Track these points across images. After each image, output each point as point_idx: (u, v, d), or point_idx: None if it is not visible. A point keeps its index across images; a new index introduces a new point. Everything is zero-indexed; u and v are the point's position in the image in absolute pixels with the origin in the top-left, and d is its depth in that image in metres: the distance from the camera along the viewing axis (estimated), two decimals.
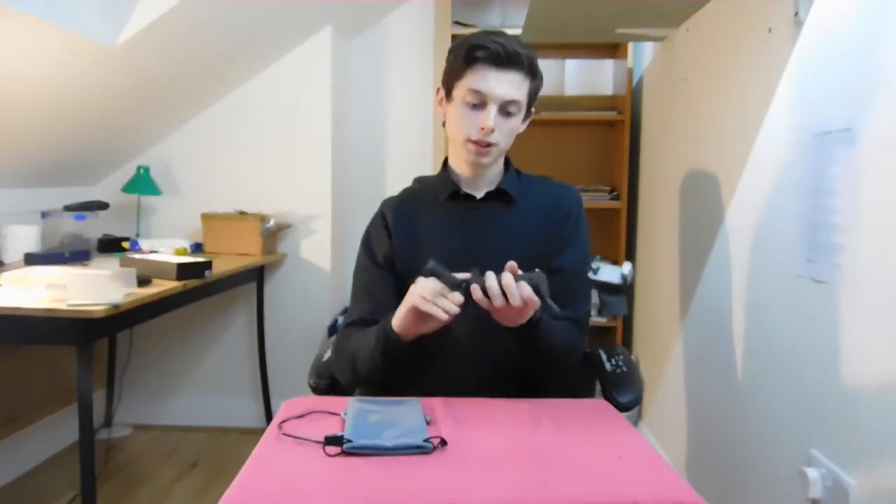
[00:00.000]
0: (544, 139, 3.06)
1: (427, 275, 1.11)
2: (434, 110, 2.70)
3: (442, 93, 1.29)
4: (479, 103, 1.21)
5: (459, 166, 1.32)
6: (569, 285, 1.22)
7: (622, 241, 2.82)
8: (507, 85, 1.20)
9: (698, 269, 1.98)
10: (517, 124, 1.26)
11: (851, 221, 1.17)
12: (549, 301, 1.10)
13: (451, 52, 1.27)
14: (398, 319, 1.16)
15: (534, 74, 1.24)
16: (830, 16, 1.28)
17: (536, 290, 1.07)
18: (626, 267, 1.42)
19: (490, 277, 1.07)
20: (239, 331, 2.97)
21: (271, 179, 2.90)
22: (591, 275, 1.38)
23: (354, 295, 1.36)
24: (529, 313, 1.10)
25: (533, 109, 1.31)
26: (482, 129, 1.20)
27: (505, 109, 1.22)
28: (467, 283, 1.09)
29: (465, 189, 1.32)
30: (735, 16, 1.74)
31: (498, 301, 1.06)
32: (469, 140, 1.23)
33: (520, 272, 1.08)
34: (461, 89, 1.23)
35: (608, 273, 1.40)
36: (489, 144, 1.23)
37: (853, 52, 1.20)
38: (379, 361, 1.20)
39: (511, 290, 1.05)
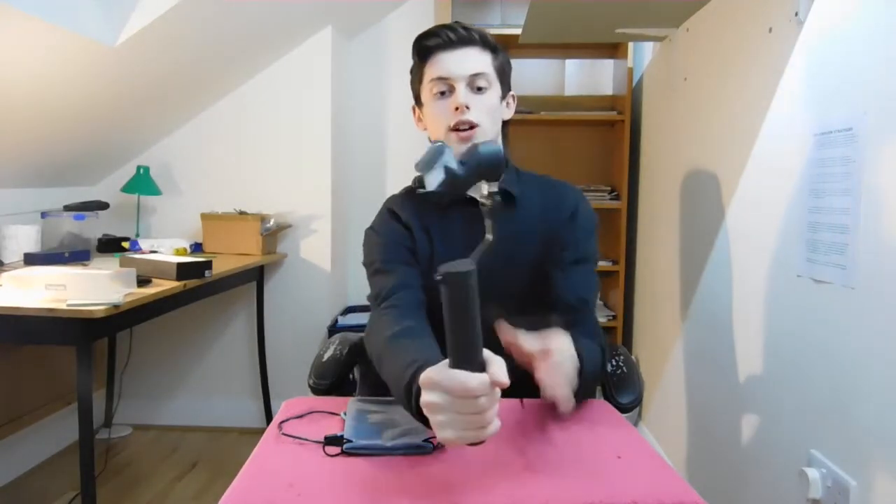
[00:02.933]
0: (544, 139, 3.06)
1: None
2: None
3: (417, 110, 1.28)
4: (448, 89, 1.18)
5: None
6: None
7: (622, 241, 2.82)
8: (467, 60, 1.18)
9: (698, 269, 1.97)
10: (493, 101, 1.21)
11: (851, 221, 1.17)
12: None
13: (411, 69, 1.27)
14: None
15: (493, 49, 1.23)
16: (830, 16, 1.28)
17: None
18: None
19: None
20: (239, 331, 2.97)
21: (271, 179, 2.90)
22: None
23: (372, 273, 1.24)
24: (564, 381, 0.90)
25: (513, 94, 1.28)
26: (456, 109, 1.16)
27: (474, 85, 1.18)
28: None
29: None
30: (735, 16, 1.74)
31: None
32: (449, 129, 1.18)
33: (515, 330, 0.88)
34: (426, 86, 1.21)
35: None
36: (471, 127, 1.17)
37: (853, 51, 1.20)
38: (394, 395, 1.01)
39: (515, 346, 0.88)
